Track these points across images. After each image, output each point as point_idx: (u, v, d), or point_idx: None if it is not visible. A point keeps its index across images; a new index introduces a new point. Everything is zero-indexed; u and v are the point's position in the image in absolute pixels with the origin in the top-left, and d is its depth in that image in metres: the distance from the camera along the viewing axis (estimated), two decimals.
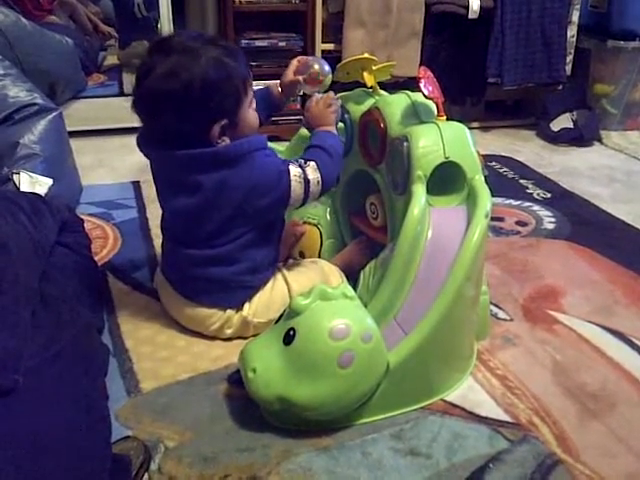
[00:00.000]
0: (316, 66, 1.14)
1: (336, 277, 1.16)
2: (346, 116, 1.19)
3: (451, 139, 1.01)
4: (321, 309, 0.87)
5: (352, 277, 1.15)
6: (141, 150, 1.05)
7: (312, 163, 1.03)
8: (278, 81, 1.18)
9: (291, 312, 0.88)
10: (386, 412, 0.94)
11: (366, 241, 1.26)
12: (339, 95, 1.23)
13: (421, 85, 1.03)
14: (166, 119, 0.97)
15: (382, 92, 1.17)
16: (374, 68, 1.14)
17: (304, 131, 1.24)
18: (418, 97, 1.08)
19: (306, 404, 0.86)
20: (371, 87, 1.17)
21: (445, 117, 1.06)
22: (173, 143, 0.99)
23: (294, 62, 1.17)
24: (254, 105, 1.05)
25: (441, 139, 1.01)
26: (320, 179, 1.03)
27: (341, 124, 1.21)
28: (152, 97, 0.96)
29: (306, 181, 1.02)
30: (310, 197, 1.04)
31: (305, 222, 1.33)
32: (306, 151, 1.08)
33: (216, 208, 1.01)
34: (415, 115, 1.07)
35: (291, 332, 0.87)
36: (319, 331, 0.85)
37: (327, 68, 1.16)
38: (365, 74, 1.15)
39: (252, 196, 1.00)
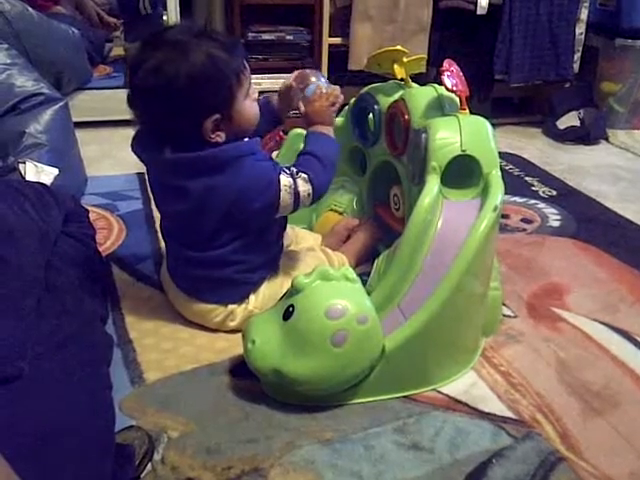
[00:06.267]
0: (313, 78, 1.12)
1: (332, 259, 1.19)
2: (376, 107, 1.20)
3: (470, 133, 1.02)
4: (320, 288, 0.89)
5: (369, 259, 1.22)
6: (134, 152, 1.04)
7: (304, 175, 1.01)
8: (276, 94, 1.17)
9: (293, 290, 0.90)
10: (380, 395, 0.95)
11: (371, 223, 1.30)
12: (369, 87, 1.24)
13: (443, 78, 1.03)
14: (157, 115, 0.95)
15: (413, 84, 1.17)
16: (405, 60, 1.14)
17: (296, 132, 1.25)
18: (445, 90, 1.08)
19: (299, 378, 0.88)
20: (402, 79, 1.17)
21: (468, 111, 1.06)
22: (167, 141, 0.97)
23: (294, 73, 1.15)
24: (254, 95, 1.02)
25: (459, 132, 1.01)
26: (311, 191, 1.02)
27: (370, 116, 1.23)
28: (142, 93, 0.95)
29: (296, 193, 1.00)
30: (300, 206, 1.03)
31: (331, 210, 1.37)
32: (300, 157, 1.06)
33: (204, 213, 0.99)
34: (439, 108, 1.08)
35: (290, 308, 0.89)
36: (316, 309, 0.87)
37: (324, 80, 1.14)
38: (396, 66, 1.15)
39: (241, 201, 0.98)
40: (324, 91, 1.10)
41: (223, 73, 0.94)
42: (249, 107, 1.00)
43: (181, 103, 0.93)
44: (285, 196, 1.00)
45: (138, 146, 1.03)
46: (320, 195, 1.05)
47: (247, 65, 0.99)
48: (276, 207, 1.01)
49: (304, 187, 1.01)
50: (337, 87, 1.12)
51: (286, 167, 1.02)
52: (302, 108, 1.11)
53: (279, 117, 1.19)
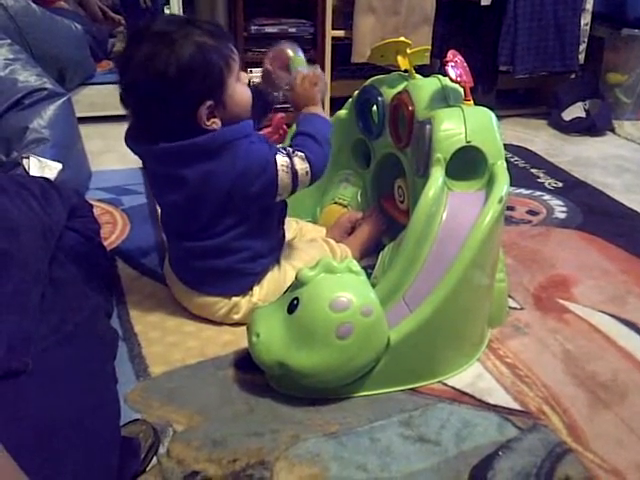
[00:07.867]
0: (289, 52, 1.12)
1: (335, 251, 1.19)
2: (380, 99, 1.20)
3: (474, 124, 1.01)
4: (325, 281, 0.88)
5: (373, 252, 1.23)
6: (128, 146, 1.04)
7: (300, 153, 1.01)
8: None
9: (297, 283, 0.90)
10: (386, 387, 0.95)
11: (376, 215, 1.30)
12: (372, 79, 1.23)
13: (448, 68, 1.02)
14: (150, 109, 0.95)
15: (417, 76, 1.16)
16: (409, 52, 1.14)
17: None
18: (449, 81, 1.07)
19: (304, 371, 0.88)
20: (406, 70, 1.16)
21: (472, 102, 1.05)
22: (162, 133, 0.96)
23: (269, 54, 1.14)
24: (244, 79, 1.02)
25: (464, 123, 1.01)
26: (309, 169, 1.01)
27: (374, 108, 1.23)
28: (133, 89, 0.95)
29: (293, 172, 1.00)
30: (299, 186, 1.02)
31: (335, 203, 1.37)
32: (295, 138, 1.05)
33: (204, 200, 0.99)
34: (443, 99, 1.07)
35: (295, 301, 0.89)
36: (320, 302, 0.87)
37: (301, 54, 1.13)
38: (399, 57, 1.14)
39: (239, 184, 0.98)
40: (305, 73, 1.11)
41: (212, 59, 0.94)
42: (240, 91, 1.00)
43: (174, 94, 0.93)
44: (283, 176, 0.99)
45: (132, 140, 1.03)
46: (319, 172, 1.04)
47: (234, 49, 0.99)
48: (275, 188, 1.00)
49: (301, 165, 1.00)
50: (317, 66, 1.13)
51: (282, 148, 1.02)
52: (289, 96, 1.12)
53: (269, 101, 1.19)
